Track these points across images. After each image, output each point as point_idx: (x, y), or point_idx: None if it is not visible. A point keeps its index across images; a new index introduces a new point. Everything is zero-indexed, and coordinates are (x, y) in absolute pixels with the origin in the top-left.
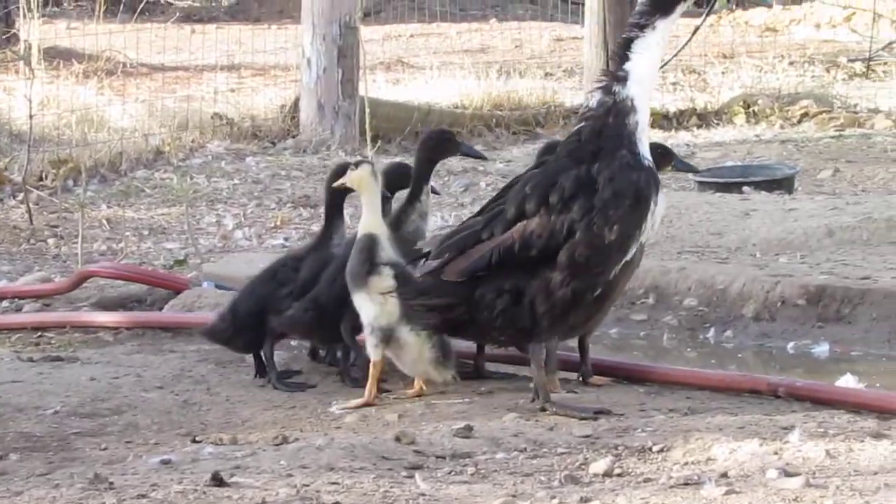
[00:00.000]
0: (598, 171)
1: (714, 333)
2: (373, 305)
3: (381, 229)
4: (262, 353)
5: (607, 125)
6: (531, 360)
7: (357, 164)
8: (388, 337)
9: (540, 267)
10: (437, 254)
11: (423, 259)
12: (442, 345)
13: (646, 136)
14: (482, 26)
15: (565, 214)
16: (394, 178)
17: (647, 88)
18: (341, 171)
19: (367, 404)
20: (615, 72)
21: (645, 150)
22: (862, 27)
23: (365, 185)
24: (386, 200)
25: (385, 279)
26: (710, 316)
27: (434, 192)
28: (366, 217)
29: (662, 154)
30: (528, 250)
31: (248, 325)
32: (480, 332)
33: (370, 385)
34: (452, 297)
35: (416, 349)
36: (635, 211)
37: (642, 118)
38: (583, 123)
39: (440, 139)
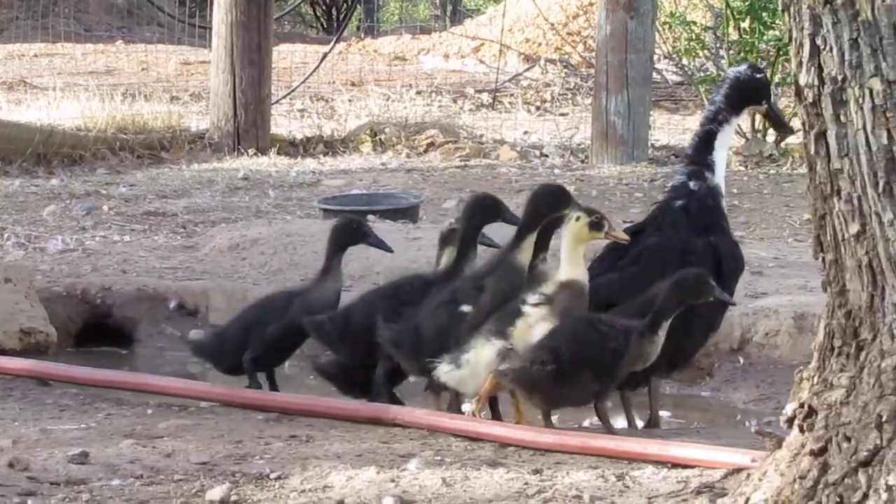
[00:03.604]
0: (716, 243)
1: None
2: None
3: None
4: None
5: (709, 206)
6: (654, 393)
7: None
8: None
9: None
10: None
11: None
12: None
13: None
14: (108, 48)
15: None
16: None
17: (723, 178)
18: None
19: None
20: (705, 160)
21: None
22: (490, 59)
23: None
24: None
25: None
26: None
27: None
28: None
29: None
30: None
31: None
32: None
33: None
34: None
35: None
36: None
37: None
38: (683, 201)
39: (483, 205)
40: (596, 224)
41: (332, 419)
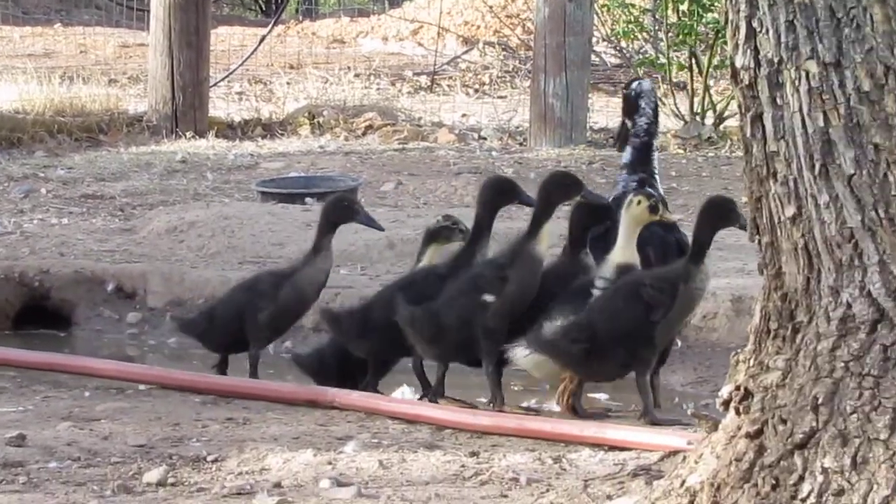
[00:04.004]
0: (683, 239)
1: (273, 344)
2: None
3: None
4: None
5: None
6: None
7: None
8: None
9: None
10: None
11: None
12: None
13: None
14: (46, 30)
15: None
16: None
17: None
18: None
19: None
20: (648, 169)
21: None
22: (428, 41)
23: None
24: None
25: None
26: None
27: None
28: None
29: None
30: None
31: None
32: None
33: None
34: None
35: None
36: None
37: None
38: None
39: (500, 188)
40: (654, 207)
41: (270, 402)
